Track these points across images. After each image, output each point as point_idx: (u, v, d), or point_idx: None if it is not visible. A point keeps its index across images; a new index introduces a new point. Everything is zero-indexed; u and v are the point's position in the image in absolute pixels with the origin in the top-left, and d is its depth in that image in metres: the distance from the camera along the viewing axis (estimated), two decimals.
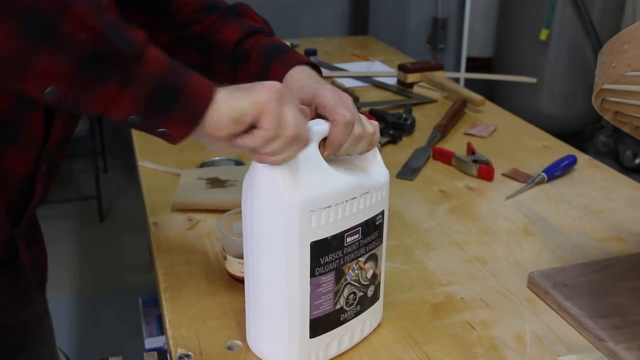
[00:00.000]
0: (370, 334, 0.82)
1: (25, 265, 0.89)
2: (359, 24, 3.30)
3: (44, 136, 0.80)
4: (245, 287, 0.76)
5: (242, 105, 0.64)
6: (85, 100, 0.60)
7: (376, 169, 0.78)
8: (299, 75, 0.85)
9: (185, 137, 0.66)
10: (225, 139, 0.66)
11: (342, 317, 0.76)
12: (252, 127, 0.66)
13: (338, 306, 0.75)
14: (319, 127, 0.72)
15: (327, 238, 0.70)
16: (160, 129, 0.65)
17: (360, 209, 0.73)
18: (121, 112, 0.62)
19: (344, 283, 0.74)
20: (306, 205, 0.68)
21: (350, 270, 0.74)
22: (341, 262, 0.73)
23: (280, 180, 0.68)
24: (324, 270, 0.71)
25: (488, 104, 1.68)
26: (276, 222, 0.69)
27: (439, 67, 1.88)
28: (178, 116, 0.64)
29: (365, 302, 0.79)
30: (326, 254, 0.71)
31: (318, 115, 0.75)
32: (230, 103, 0.65)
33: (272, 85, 0.66)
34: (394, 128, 1.47)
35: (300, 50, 2.16)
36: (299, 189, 0.68)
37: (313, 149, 0.71)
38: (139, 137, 1.46)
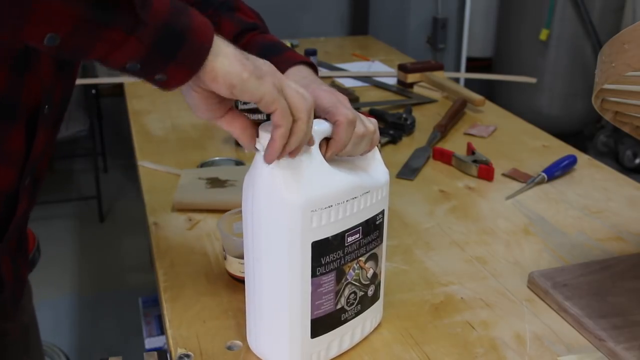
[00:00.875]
0: (370, 334, 0.82)
1: (5, 281, 0.84)
2: (359, 24, 3.30)
3: (26, 150, 0.76)
4: (246, 287, 0.76)
5: (250, 79, 0.62)
6: (87, 47, 0.56)
7: (376, 168, 0.78)
8: (295, 76, 0.84)
9: (183, 83, 0.62)
10: (220, 94, 0.63)
11: (343, 316, 0.76)
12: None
13: (339, 306, 0.75)
14: (320, 127, 0.72)
15: (328, 238, 0.70)
16: (158, 76, 0.61)
17: (361, 209, 0.73)
18: (122, 59, 0.58)
19: (345, 283, 0.74)
20: (307, 205, 0.68)
21: (350, 270, 0.74)
22: (342, 262, 0.73)
23: (281, 180, 0.68)
24: (324, 270, 0.71)
25: (488, 104, 1.68)
26: (277, 222, 0.69)
27: (439, 67, 1.88)
28: (180, 62, 0.60)
29: (365, 302, 0.79)
30: (327, 254, 0.71)
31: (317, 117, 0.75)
32: (241, 60, 0.62)
33: (272, 78, 0.64)
34: (394, 128, 1.47)
35: (300, 50, 2.16)
36: (300, 188, 0.68)
37: (314, 148, 0.71)
38: (139, 137, 1.46)
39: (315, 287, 0.71)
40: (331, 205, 0.70)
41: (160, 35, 0.58)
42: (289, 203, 0.67)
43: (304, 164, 0.69)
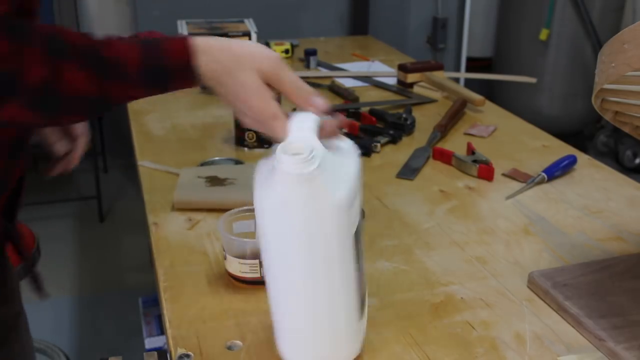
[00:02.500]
0: (370, 334, 0.82)
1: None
2: (359, 24, 3.29)
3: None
4: (284, 300, 0.72)
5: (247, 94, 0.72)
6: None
7: (343, 142, 0.75)
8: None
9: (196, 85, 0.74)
10: None
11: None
12: None
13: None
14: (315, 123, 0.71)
15: (358, 228, 0.70)
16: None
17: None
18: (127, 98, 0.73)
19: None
20: (347, 200, 0.67)
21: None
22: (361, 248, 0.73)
23: (324, 182, 0.65)
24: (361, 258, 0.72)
25: (488, 104, 1.68)
26: (326, 226, 0.67)
27: (439, 67, 1.88)
28: (176, 86, 0.72)
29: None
30: (359, 244, 0.71)
31: None
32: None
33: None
34: (394, 128, 1.47)
35: (300, 50, 2.16)
36: (339, 187, 0.66)
37: (319, 145, 0.68)
38: (139, 137, 1.46)
39: (359, 275, 0.72)
40: (355, 194, 0.69)
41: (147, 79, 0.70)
42: (336, 204, 0.66)
43: (328, 161, 0.67)
